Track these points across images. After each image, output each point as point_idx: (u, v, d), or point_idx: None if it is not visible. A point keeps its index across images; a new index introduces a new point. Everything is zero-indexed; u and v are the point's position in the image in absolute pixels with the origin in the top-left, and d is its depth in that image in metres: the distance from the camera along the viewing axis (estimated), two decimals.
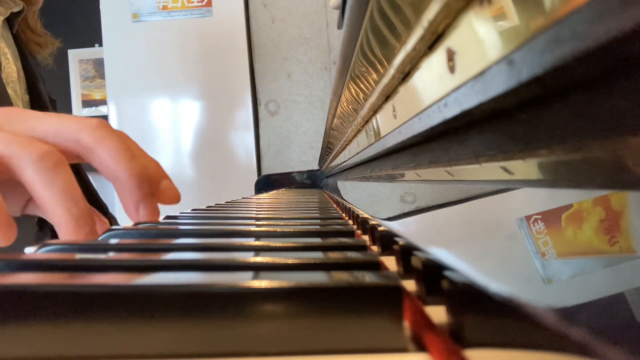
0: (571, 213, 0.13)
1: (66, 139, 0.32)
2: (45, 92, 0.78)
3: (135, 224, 0.33)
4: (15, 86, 0.69)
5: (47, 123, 0.33)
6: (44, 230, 0.70)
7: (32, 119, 0.33)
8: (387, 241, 0.29)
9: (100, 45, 2.29)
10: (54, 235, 0.65)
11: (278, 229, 0.32)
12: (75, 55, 2.87)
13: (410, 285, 0.20)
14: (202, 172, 2.22)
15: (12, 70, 0.69)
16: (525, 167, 0.14)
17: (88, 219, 0.31)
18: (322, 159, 1.46)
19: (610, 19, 0.08)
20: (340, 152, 0.81)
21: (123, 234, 0.30)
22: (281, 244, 0.25)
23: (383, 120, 0.34)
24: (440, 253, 0.19)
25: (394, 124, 0.29)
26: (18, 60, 0.72)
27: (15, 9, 0.71)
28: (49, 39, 0.83)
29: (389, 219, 0.35)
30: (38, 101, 0.74)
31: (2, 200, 0.29)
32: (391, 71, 0.25)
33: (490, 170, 0.16)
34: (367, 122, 0.44)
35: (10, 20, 0.72)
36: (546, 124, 0.12)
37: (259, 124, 2.30)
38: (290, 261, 0.19)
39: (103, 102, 2.76)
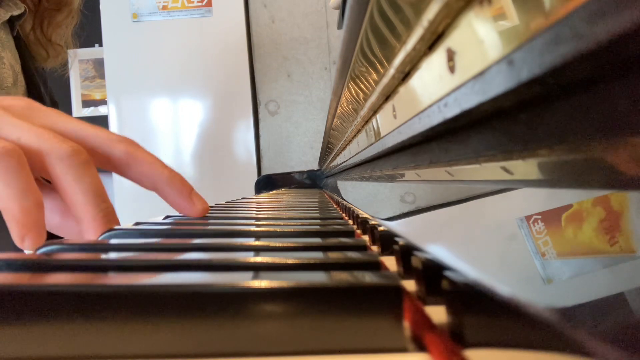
0: (571, 213, 0.13)
1: (99, 147, 0.34)
2: (48, 95, 0.77)
3: (135, 224, 0.33)
4: (10, 91, 0.69)
5: (73, 126, 0.35)
6: None
7: (53, 116, 0.35)
8: (387, 241, 0.29)
9: (100, 45, 2.29)
10: None
11: (278, 229, 0.32)
12: (75, 55, 2.86)
13: (410, 285, 0.20)
14: (202, 172, 2.22)
15: (8, 75, 0.69)
16: (525, 167, 0.14)
17: (114, 216, 0.32)
18: (322, 159, 1.46)
19: (610, 19, 0.08)
20: (340, 152, 0.81)
21: (123, 234, 0.30)
22: (281, 244, 0.25)
23: (383, 120, 0.34)
24: (440, 253, 0.19)
25: (394, 124, 0.29)
26: (18, 63, 0.72)
27: (16, 12, 0.71)
28: (60, 50, 0.82)
29: (389, 219, 0.35)
30: None
31: (42, 203, 0.30)
32: (391, 71, 0.25)
33: (490, 170, 0.16)
34: (367, 122, 0.44)
35: (11, 23, 0.72)
36: (546, 124, 0.12)
37: (259, 124, 2.29)
38: (290, 261, 0.19)
39: (103, 102, 2.76)
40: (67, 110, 2.82)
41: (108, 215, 0.31)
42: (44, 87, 0.77)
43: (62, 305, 0.14)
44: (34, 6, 0.77)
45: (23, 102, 0.35)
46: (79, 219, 0.32)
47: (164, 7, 2.22)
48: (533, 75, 0.11)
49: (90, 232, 0.31)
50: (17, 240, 0.30)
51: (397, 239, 0.26)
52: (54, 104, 0.80)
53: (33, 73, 0.74)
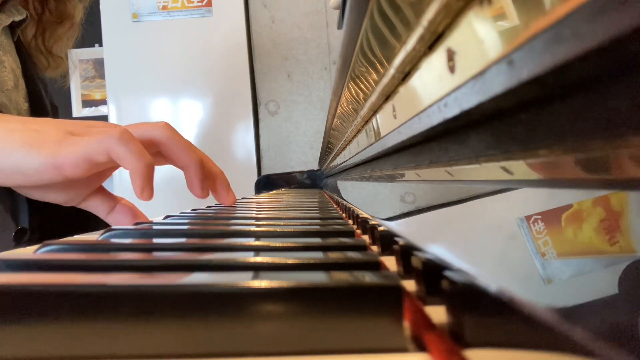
0: (571, 213, 0.13)
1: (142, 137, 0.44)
2: (48, 99, 0.77)
3: (136, 224, 0.33)
4: (11, 94, 0.69)
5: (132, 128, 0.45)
6: (20, 244, 0.70)
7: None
8: (387, 241, 0.29)
9: (100, 45, 2.29)
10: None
11: (278, 229, 0.32)
12: (75, 55, 2.86)
13: (410, 285, 0.20)
14: None
15: (8, 78, 0.69)
16: (525, 167, 0.14)
17: (152, 169, 0.40)
18: (322, 159, 1.46)
19: (610, 19, 0.08)
20: (340, 152, 0.81)
21: (123, 234, 0.30)
22: (281, 244, 0.25)
23: (383, 120, 0.34)
24: (440, 253, 0.19)
25: (394, 124, 0.29)
26: (19, 67, 0.72)
27: (17, 18, 0.71)
28: (60, 62, 0.82)
29: (389, 219, 0.35)
30: (38, 110, 0.73)
31: (154, 164, 0.40)
32: (391, 71, 0.25)
33: (490, 170, 0.16)
34: (367, 122, 0.44)
35: (12, 28, 0.72)
36: (546, 124, 0.12)
37: (259, 124, 2.29)
38: (290, 261, 0.19)
39: (103, 102, 2.76)
40: (67, 110, 2.83)
41: (147, 160, 0.40)
42: (45, 91, 0.77)
43: (62, 305, 0.14)
44: (37, 15, 0.77)
45: (100, 122, 0.45)
46: (185, 168, 0.45)
47: (164, 7, 2.22)
48: (533, 75, 0.11)
49: (195, 180, 0.45)
50: (138, 193, 0.39)
51: (397, 239, 0.26)
52: (54, 109, 0.80)
53: (34, 78, 0.74)
